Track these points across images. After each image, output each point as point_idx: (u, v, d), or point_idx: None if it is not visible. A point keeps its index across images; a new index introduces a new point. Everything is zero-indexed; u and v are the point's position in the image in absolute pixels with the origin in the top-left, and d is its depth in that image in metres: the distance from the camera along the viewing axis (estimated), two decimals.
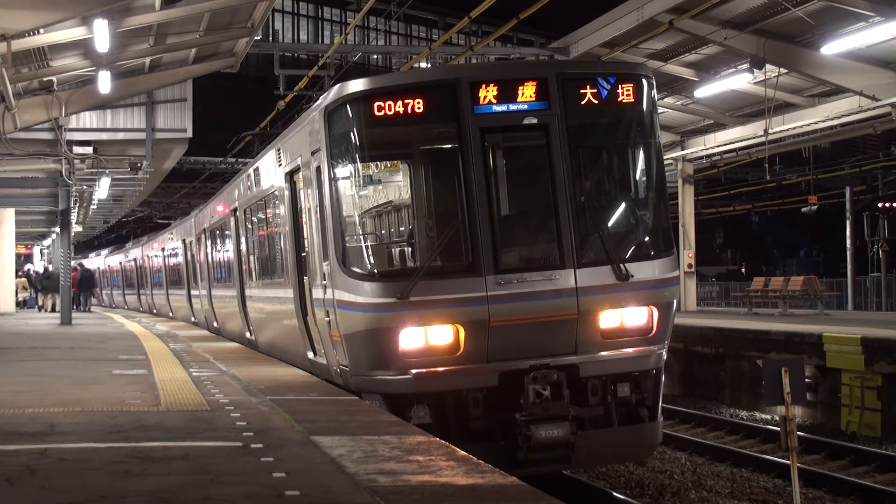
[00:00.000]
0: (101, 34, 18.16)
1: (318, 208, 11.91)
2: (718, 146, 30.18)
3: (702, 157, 31.79)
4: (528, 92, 11.22)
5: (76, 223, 43.57)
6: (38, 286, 45.36)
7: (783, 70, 23.44)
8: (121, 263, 54.48)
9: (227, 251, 21.88)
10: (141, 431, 8.65)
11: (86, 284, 44.78)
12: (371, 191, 11.60)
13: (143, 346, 19.56)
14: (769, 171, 29.50)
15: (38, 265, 58.05)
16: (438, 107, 11.18)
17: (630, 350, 11.40)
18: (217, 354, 17.31)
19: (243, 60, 27.05)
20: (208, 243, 24.89)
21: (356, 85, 11.26)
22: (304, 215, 13.06)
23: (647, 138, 11.89)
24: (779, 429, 12.04)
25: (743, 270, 74.80)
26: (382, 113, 10.96)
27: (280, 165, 14.47)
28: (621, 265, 11.18)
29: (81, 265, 49.60)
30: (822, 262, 69.95)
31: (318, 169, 11.72)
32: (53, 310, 39.28)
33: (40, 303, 45.24)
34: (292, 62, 44.55)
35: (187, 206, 48.38)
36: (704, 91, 25.52)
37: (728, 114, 28.59)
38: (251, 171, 17.42)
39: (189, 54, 25.11)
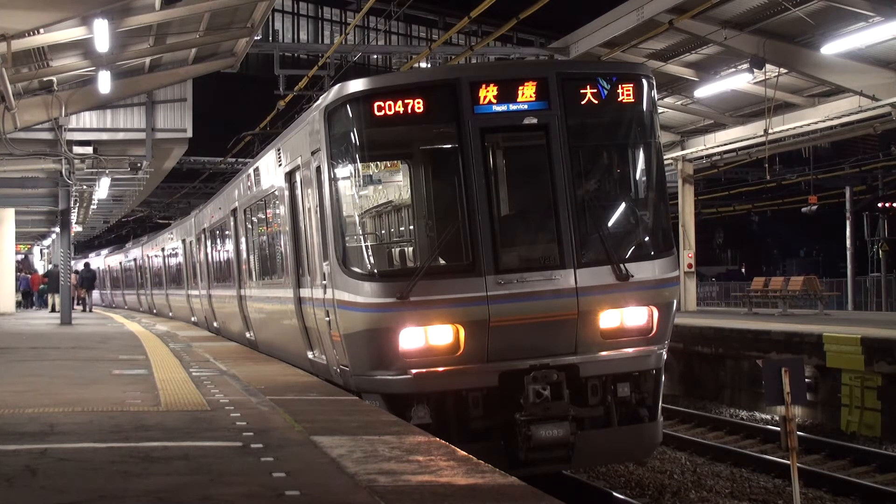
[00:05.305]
0: (101, 34, 18.15)
1: (318, 208, 11.91)
2: (718, 146, 30.17)
3: (702, 157, 31.78)
4: (528, 92, 11.22)
5: (76, 223, 43.54)
6: None
7: (783, 70, 23.43)
8: (121, 263, 54.47)
9: (227, 251, 21.87)
10: (141, 431, 8.64)
11: (88, 283, 44.73)
12: (371, 191, 11.60)
13: (143, 346, 19.55)
14: (769, 171, 29.49)
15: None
16: (438, 107, 11.17)
17: (630, 350, 11.40)
18: (217, 354, 17.30)
19: (243, 60, 27.05)
20: (208, 243, 24.88)
21: (356, 85, 11.26)
22: (303, 215, 13.06)
23: (647, 138, 11.88)
24: (779, 429, 12.04)
25: (743, 270, 74.90)
26: (382, 113, 10.96)
27: (280, 165, 14.47)
28: (621, 265, 11.18)
29: (87, 265, 49.50)
30: (822, 262, 70.06)
31: (318, 169, 11.72)
32: (53, 310, 39.26)
33: None
34: (292, 62, 44.59)
35: (187, 206, 48.39)
36: (704, 91, 25.51)
37: (728, 114, 28.57)
38: (251, 171, 17.41)
39: (189, 54, 25.11)
